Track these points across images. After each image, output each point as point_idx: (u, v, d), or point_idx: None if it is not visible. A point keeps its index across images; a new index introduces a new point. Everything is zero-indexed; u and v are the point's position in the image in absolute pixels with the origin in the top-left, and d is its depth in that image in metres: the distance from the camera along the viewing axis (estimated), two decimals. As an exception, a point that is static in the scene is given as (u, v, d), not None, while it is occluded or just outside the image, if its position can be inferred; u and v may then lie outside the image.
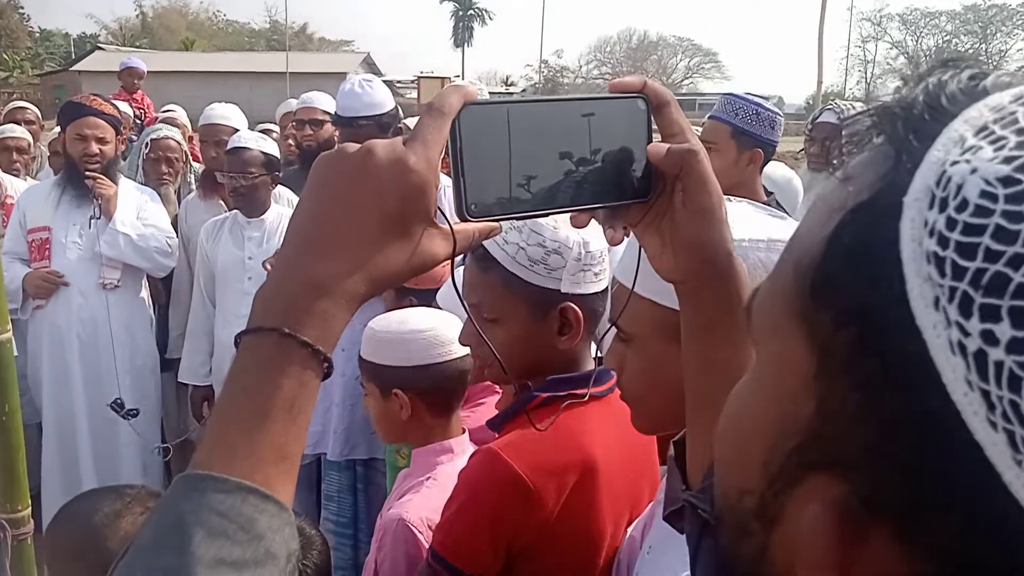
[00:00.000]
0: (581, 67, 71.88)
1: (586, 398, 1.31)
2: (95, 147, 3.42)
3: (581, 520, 1.33)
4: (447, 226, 0.65)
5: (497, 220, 0.68)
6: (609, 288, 1.37)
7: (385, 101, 3.25)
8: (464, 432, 1.82)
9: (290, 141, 4.67)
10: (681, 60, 72.54)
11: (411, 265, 0.64)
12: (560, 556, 1.34)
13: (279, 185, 3.59)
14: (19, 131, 4.71)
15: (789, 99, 49.68)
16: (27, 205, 3.59)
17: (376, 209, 0.62)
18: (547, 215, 0.73)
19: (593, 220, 0.75)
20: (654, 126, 0.72)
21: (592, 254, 1.38)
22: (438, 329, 1.76)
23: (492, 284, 1.38)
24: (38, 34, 60.87)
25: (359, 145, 0.63)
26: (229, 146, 3.46)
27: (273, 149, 3.51)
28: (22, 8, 57.86)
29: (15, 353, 2.05)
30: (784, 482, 0.38)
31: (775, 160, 3.41)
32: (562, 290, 1.38)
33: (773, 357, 0.41)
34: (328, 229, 0.63)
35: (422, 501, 1.67)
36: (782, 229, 0.95)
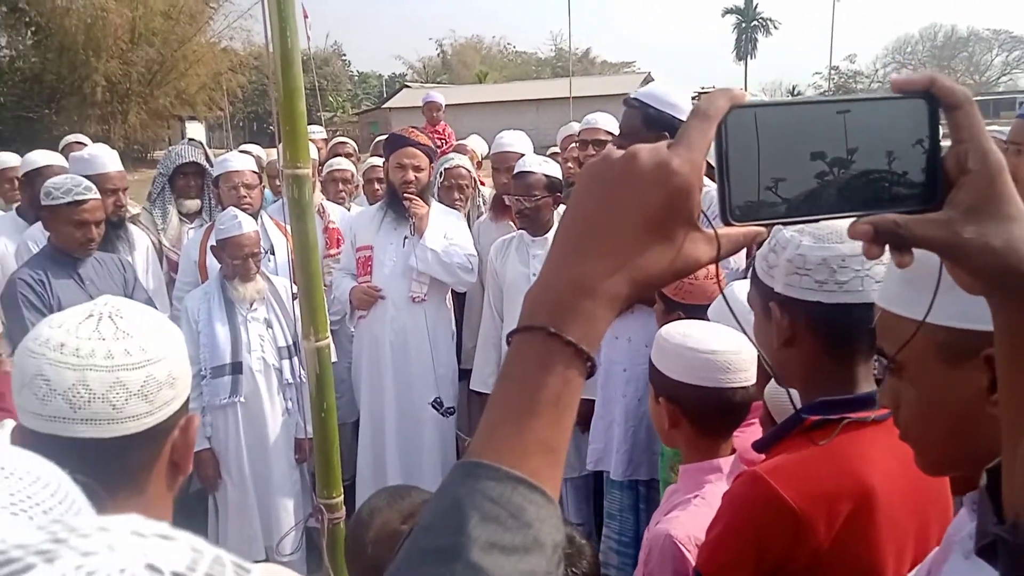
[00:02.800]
0: (876, 71, 66.59)
1: (867, 420, 1.24)
2: (412, 175, 3.83)
3: (857, 552, 1.25)
4: (711, 230, 0.65)
5: (764, 224, 0.66)
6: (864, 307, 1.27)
7: (681, 104, 3.13)
8: (734, 452, 1.79)
9: (569, 164, 4.84)
10: (997, 55, 64.71)
11: (674, 268, 0.64)
12: (835, 588, 1.27)
13: (561, 204, 3.77)
14: (345, 163, 5.35)
15: None
16: (357, 227, 4.10)
17: (639, 211, 0.62)
18: (818, 220, 0.70)
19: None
20: (945, 129, 0.66)
21: (807, 258, 1.28)
22: (721, 354, 1.68)
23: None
24: (356, 77, 68.63)
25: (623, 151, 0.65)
26: (515, 170, 3.70)
27: (556, 171, 3.69)
28: (344, 55, 65.82)
29: (334, 358, 2.34)
30: None
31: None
32: (775, 289, 1.31)
33: None
34: (592, 231, 0.64)
35: (689, 519, 1.66)
36: None
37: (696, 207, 0.63)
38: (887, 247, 0.68)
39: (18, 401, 1.03)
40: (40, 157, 4.37)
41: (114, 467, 0.99)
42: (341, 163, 5.31)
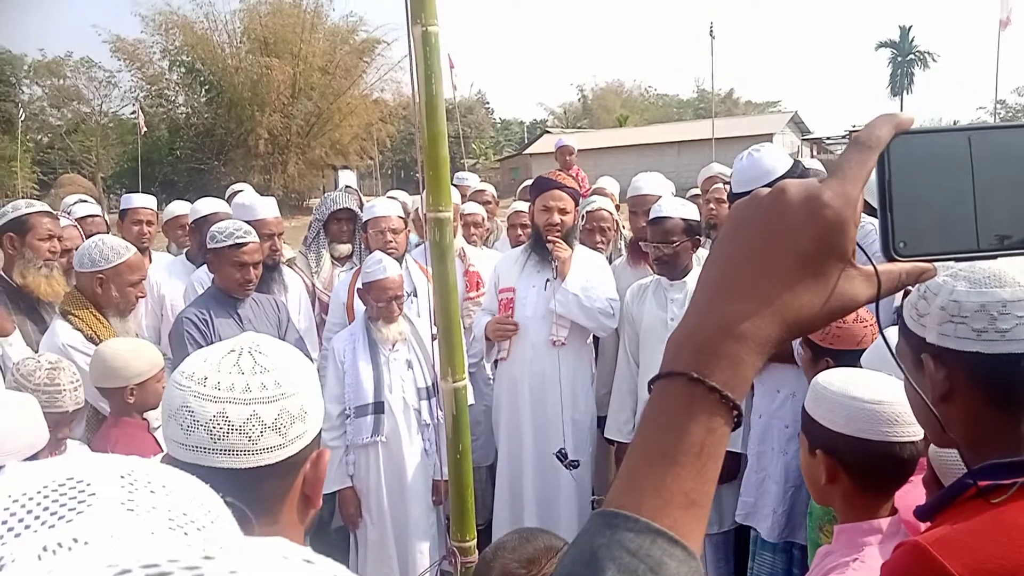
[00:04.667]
0: (1050, 103, 61.96)
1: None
2: (557, 217, 3.86)
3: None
4: (870, 266, 0.60)
5: (930, 260, 0.61)
6: None
7: (776, 167, 3.10)
8: (895, 512, 1.65)
9: (711, 206, 4.74)
10: None
11: (828, 308, 0.60)
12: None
13: (701, 248, 3.68)
14: (475, 207, 5.46)
15: None
16: (501, 269, 4.16)
17: (788, 248, 0.59)
18: (991, 257, 0.64)
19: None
20: None
21: (962, 304, 1.16)
22: (888, 405, 1.57)
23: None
24: (499, 124, 70.53)
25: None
26: (651, 215, 3.64)
27: (694, 214, 3.61)
28: (488, 103, 67.85)
29: (471, 400, 2.36)
30: None
31: None
32: (927, 339, 1.20)
33: None
34: (738, 271, 0.61)
35: (845, 583, 1.54)
36: None
37: (851, 242, 0.59)
38: None
39: (165, 431, 1.10)
40: (206, 205, 4.72)
41: (249, 497, 1.02)
42: (472, 207, 5.44)
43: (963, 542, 1.13)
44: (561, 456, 3.70)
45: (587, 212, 4.44)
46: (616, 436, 3.83)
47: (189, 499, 0.57)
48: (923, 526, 1.27)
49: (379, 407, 3.59)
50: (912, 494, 1.60)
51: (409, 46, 1.98)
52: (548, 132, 47.87)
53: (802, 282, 0.59)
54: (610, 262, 4.47)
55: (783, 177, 3.08)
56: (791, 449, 2.99)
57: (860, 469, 1.60)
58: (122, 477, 0.56)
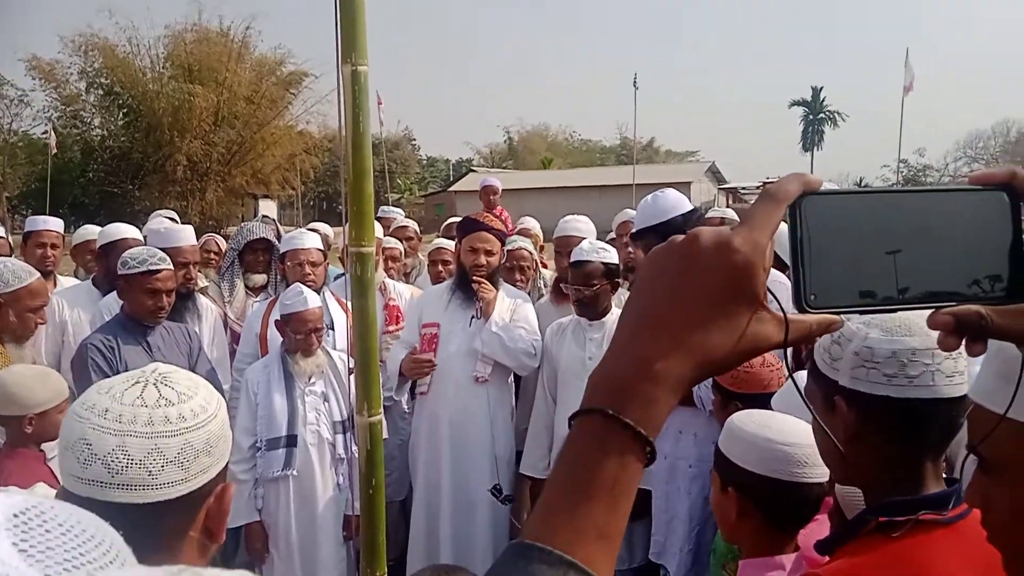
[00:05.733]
0: (947, 165, 65.74)
1: (939, 522, 1.17)
2: (483, 259, 3.90)
3: (925, 667, 1.17)
4: (781, 313, 0.63)
5: (838, 313, 0.64)
6: (943, 399, 1.22)
7: (676, 207, 3.30)
8: (798, 550, 1.71)
9: (629, 249, 4.84)
10: (1076, 151, 63.23)
11: (740, 348, 0.62)
12: None
13: (619, 289, 3.76)
14: (393, 242, 5.43)
15: None
16: (425, 304, 4.15)
17: (700, 291, 0.61)
18: (895, 311, 0.67)
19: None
20: None
21: (875, 351, 1.23)
22: (799, 447, 1.63)
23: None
24: (424, 161, 70.65)
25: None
26: (572, 259, 3.71)
27: (613, 258, 3.69)
28: (414, 139, 67.98)
29: (385, 435, 2.34)
30: None
31: None
32: (839, 382, 1.27)
33: None
34: (654, 313, 0.63)
35: (746, 618, 1.58)
36: None
37: (761, 286, 0.62)
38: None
39: (61, 463, 1.05)
40: (115, 231, 4.54)
41: (148, 533, 0.99)
42: (389, 241, 5.41)
43: (859, 575, 1.18)
44: (496, 492, 3.72)
45: (508, 251, 4.49)
46: (531, 472, 3.85)
47: (87, 539, 0.56)
48: (825, 560, 1.32)
49: (292, 440, 3.52)
50: (816, 532, 1.65)
51: (338, 85, 1.99)
52: (473, 171, 48.26)
53: (714, 323, 0.61)
54: (532, 299, 4.52)
55: (684, 218, 3.26)
56: (695, 489, 3.06)
57: (770, 507, 1.65)
58: (15, 516, 0.54)
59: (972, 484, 0.91)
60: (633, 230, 3.46)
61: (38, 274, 3.34)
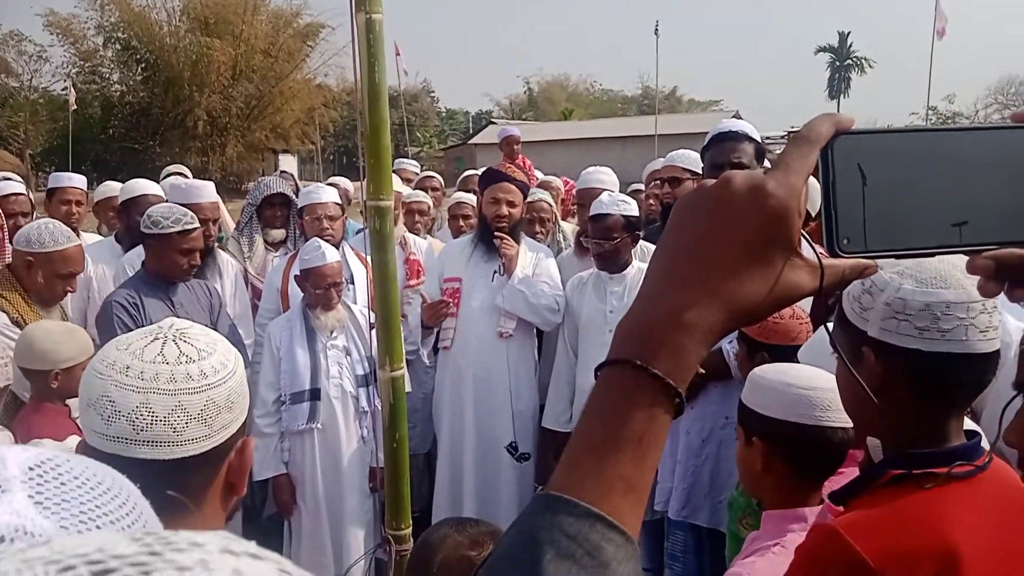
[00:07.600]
0: (977, 112, 64.32)
1: (944, 477, 1.16)
2: (505, 209, 3.87)
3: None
4: (815, 258, 0.61)
5: (872, 257, 0.62)
6: (975, 354, 1.19)
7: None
8: (822, 503, 1.70)
9: (650, 202, 4.80)
10: (1109, 94, 61.67)
11: (773, 297, 0.60)
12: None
13: (642, 241, 3.73)
14: (421, 195, 5.45)
15: None
16: (447, 258, 4.15)
17: (733, 237, 0.59)
18: (932, 254, 0.65)
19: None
20: None
21: (907, 302, 1.20)
22: (821, 391, 1.63)
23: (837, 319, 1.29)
24: (444, 113, 70.13)
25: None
26: (591, 212, 3.67)
27: (633, 211, 3.65)
28: (433, 92, 67.45)
29: (408, 389, 2.35)
30: None
31: None
32: (868, 332, 1.23)
33: None
34: (685, 260, 0.61)
35: (765, 567, 1.58)
36: None
37: (795, 231, 0.60)
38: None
39: (83, 420, 1.06)
40: (137, 186, 4.56)
41: (173, 488, 1.00)
42: (418, 195, 5.40)
43: (874, 527, 1.18)
44: (512, 449, 3.75)
45: (527, 203, 4.46)
46: (553, 426, 3.86)
47: (103, 492, 0.56)
48: (840, 511, 1.32)
49: (315, 394, 3.56)
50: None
51: (352, 33, 1.96)
52: (493, 123, 47.75)
53: (747, 270, 0.59)
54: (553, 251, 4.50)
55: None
56: (694, 429, 3.05)
57: (794, 454, 1.64)
58: (31, 468, 0.54)
59: (1013, 425, 0.90)
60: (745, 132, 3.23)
61: (78, 241, 3.34)
